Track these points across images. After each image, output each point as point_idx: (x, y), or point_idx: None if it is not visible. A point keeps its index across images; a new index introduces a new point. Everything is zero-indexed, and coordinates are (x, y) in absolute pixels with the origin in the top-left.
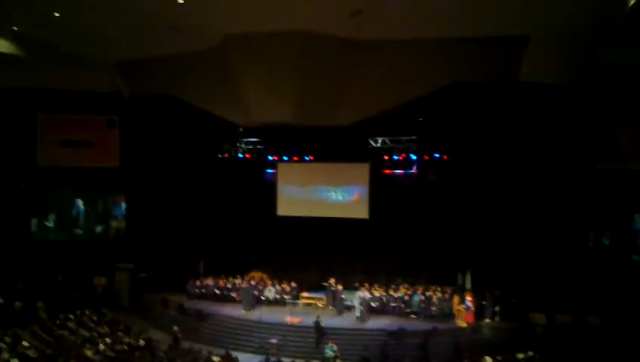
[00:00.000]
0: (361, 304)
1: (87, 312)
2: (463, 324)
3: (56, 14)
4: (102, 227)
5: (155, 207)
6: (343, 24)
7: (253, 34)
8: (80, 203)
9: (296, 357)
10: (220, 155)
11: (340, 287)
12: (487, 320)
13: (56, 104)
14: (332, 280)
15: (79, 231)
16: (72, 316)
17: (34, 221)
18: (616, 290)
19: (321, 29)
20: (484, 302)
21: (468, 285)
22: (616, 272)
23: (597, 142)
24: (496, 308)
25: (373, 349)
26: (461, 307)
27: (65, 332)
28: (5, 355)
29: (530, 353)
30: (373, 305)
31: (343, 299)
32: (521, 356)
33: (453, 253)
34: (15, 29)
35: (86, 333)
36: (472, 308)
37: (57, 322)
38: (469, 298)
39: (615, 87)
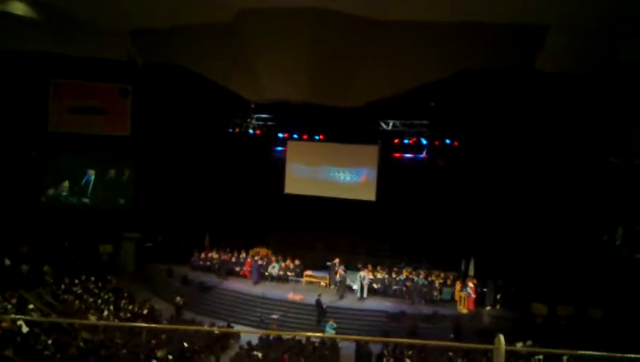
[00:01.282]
0: (362, 284)
1: (93, 278)
2: (464, 310)
3: None
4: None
5: (164, 178)
6: (360, 3)
7: (270, 9)
8: (92, 173)
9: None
10: (230, 130)
11: (341, 270)
12: (488, 308)
13: (68, 70)
14: (336, 260)
15: (86, 200)
16: (77, 281)
17: (50, 190)
18: (618, 285)
19: (338, 7)
20: (485, 290)
21: (471, 272)
22: (620, 267)
23: (610, 136)
24: (498, 296)
25: (373, 330)
26: (462, 293)
27: (70, 297)
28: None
29: (529, 342)
30: (375, 286)
31: (345, 279)
32: (519, 345)
33: (458, 240)
34: None
35: (90, 299)
36: (473, 295)
37: (63, 287)
38: (470, 284)
39: (630, 82)
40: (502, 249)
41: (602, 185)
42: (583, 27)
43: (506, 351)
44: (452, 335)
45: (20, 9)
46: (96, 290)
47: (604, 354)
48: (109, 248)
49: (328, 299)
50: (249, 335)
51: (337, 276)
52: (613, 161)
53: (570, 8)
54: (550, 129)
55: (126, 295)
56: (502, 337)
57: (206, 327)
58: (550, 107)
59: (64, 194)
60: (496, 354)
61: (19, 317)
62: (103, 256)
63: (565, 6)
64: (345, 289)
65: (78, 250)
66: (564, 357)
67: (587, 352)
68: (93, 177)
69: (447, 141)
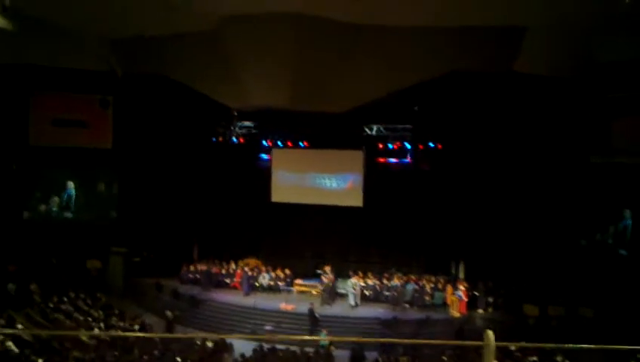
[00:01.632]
0: (353, 291)
1: (82, 296)
2: (456, 314)
3: None
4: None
5: (149, 190)
6: (342, 8)
7: (251, 15)
8: (71, 186)
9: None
10: (213, 139)
11: (331, 277)
12: (480, 311)
13: (49, 82)
14: (327, 268)
15: (69, 215)
16: (66, 299)
17: (41, 206)
18: (608, 283)
19: (319, 13)
20: (476, 293)
21: (461, 275)
22: (608, 265)
23: (591, 136)
24: (489, 299)
25: (367, 337)
26: (454, 297)
27: (60, 316)
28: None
29: (523, 343)
30: (366, 293)
31: (335, 287)
32: (513, 347)
33: (447, 243)
34: (8, 3)
35: (80, 317)
36: (465, 299)
37: (51, 305)
38: (461, 288)
39: (609, 82)
40: (491, 251)
41: (585, 185)
42: (560, 29)
43: (498, 349)
44: None
45: None
46: (85, 308)
47: (592, 346)
48: (97, 263)
49: (320, 307)
50: (243, 348)
51: (327, 281)
52: (594, 161)
53: (546, 10)
54: (532, 130)
55: (117, 312)
56: (491, 333)
57: (199, 334)
58: (532, 108)
59: (54, 209)
60: (487, 351)
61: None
62: (92, 271)
63: (541, 8)
64: (335, 296)
65: (66, 267)
66: (559, 359)
67: (577, 346)
68: (73, 191)
69: (431, 144)
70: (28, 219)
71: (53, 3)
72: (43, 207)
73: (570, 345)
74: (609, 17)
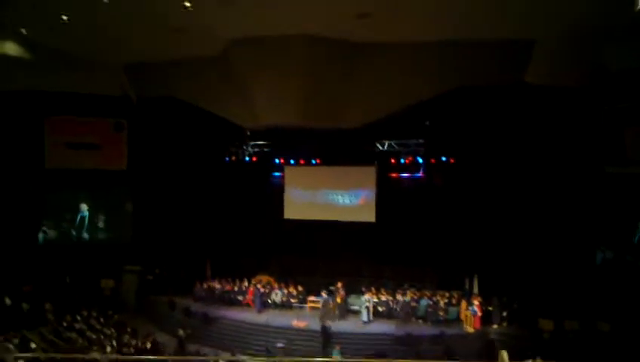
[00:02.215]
0: (366, 308)
1: (94, 314)
2: (471, 329)
3: (65, 17)
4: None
5: (163, 210)
6: (350, 27)
7: (261, 37)
8: (85, 208)
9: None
10: (227, 158)
11: (342, 293)
12: (495, 326)
13: (63, 107)
14: (339, 285)
15: (85, 236)
16: (79, 317)
17: (51, 231)
18: (625, 297)
19: (328, 33)
20: (490, 308)
21: (475, 290)
22: (625, 279)
23: (605, 146)
24: (504, 314)
25: (380, 353)
26: (468, 312)
27: (73, 335)
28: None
29: (539, 359)
30: (379, 309)
31: (346, 303)
32: None
33: (461, 258)
34: (24, 32)
35: (93, 335)
36: (479, 313)
37: (64, 324)
38: (476, 303)
39: (622, 91)
40: (506, 265)
41: (600, 196)
42: (569, 39)
43: None
44: None
45: (11, 49)
46: (98, 326)
47: None
48: (110, 283)
49: (333, 323)
50: None
51: (338, 300)
52: (609, 171)
53: (555, 22)
54: (546, 141)
55: (129, 330)
56: (505, 353)
57: (210, 357)
58: (545, 120)
59: (72, 231)
60: None
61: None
62: (105, 290)
63: (550, 20)
64: (345, 312)
65: (80, 286)
66: None
67: None
68: (87, 212)
69: (443, 158)
70: (43, 241)
71: (66, 33)
72: (57, 229)
73: None
74: (619, 26)
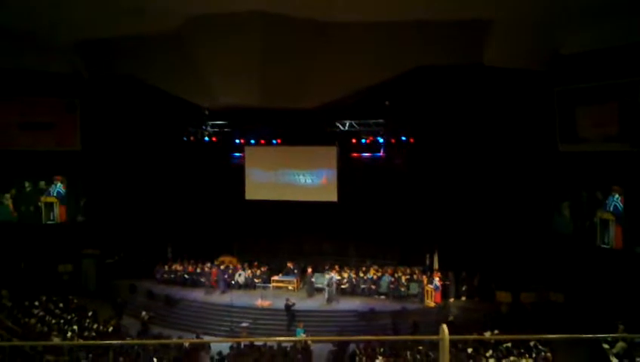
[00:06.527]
0: (329, 286)
1: (54, 299)
2: (432, 304)
3: None
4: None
5: (120, 192)
6: (306, 5)
7: (216, 15)
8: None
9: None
10: (185, 138)
11: (309, 270)
12: (452, 300)
13: (13, 86)
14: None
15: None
16: (37, 303)
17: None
18: (577, 268)
19: (284, 10)
20: (447, 282)
21: (436, 266)
22: (578, 251)
23: (559, 125)
24: (463, 288)
25: (344, 330)
26: (429, 287)
27: (32, 320)
28: None
29: (497, 331)
30: (343, 286)
31: (312, 282)
32: (487, 334)
33: (422, 235)
34: None
35: (53, 321)
36: (440, 288)
37: (22, 310)
38: (437, 278)
39: (574, 73)
40: (465, 241)
41: (554, 172)
42: (524, 22)
43: (451, 342)
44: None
45: None
46: (58, 311)
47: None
48: (69, 267)
49: (297, 302)
50: (219, 346)
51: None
52: (563, 150)
53: (510, 3)
54: (503, 120)
55: (90, 314)
56: (445, 327)
57: (175, 340)
58: (501, 100)
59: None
60: (442, 345)
61: None
62: (64, 275)
63: (505, 1)
64: (313, 291)
65: (36, 271)
66: (531, 343)
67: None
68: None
69: (403, 138)
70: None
71: (16, 9)
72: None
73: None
74: (571, 10)
